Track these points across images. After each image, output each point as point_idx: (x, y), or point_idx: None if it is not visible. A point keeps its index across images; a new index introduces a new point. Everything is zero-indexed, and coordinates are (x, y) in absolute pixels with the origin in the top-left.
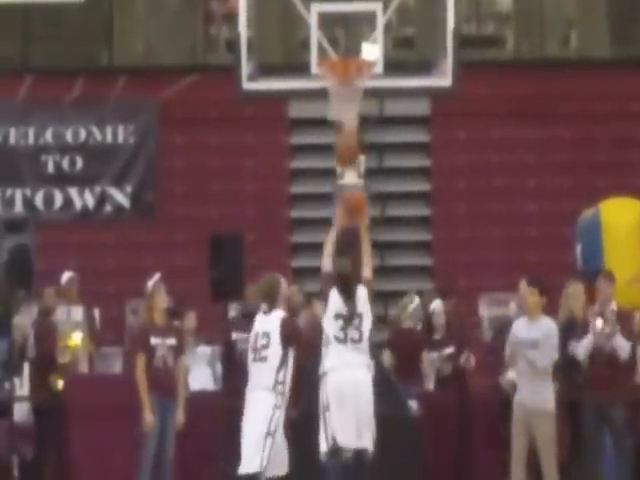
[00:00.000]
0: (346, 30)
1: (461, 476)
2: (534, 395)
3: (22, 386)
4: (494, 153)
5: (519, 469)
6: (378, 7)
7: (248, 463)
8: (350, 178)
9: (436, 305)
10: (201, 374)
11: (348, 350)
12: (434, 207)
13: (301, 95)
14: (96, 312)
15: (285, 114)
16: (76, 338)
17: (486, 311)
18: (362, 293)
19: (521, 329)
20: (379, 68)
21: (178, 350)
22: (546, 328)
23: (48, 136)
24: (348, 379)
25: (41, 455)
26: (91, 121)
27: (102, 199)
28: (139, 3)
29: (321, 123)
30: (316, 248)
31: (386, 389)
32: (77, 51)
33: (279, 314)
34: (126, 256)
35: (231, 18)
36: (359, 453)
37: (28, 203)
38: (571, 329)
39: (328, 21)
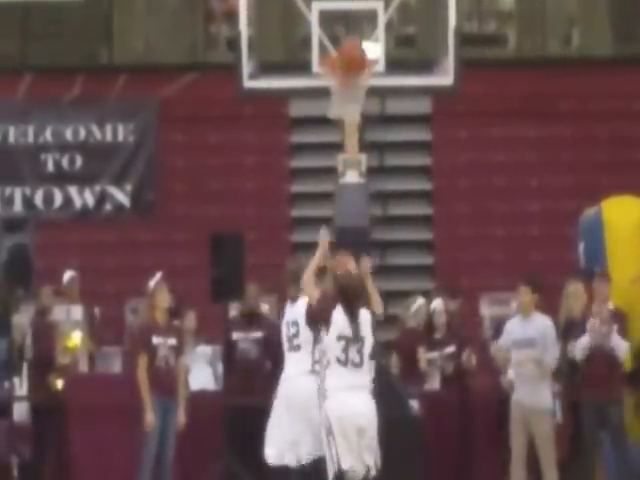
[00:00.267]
0: (347, 28)
1: (462, 475)
2: (532, 394)
3: (22, 386)
4: (496, 152)
5: (519, 468)
6: (379, 5)
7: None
8: (351, 177)
9: (437, 304)
10: (201, 374)
11: (349, 372)
12: (435, 206)
13: (302, 93)
14: (96, 311)
15: (286, 112)
16: (76, 338)
17: (487, 310)
18: (366, 317)
19: (515, 328)
20: (380, 66)
21: (178, 350)
22: (541, 326)
23: (48, 135)
24: (350, 403)
25: (40, 455)
26: (91, 120)
27: (102, 198)
28: (139, 1)
29: (322, 122)
30: (316, 247)
31: (387, 390)
32: (77, 49)
33: (304, 301)
34: (126, 255)
35: (231, 16)
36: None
37: (27, 202)
38: (571, 329)
39: (329, 19)
